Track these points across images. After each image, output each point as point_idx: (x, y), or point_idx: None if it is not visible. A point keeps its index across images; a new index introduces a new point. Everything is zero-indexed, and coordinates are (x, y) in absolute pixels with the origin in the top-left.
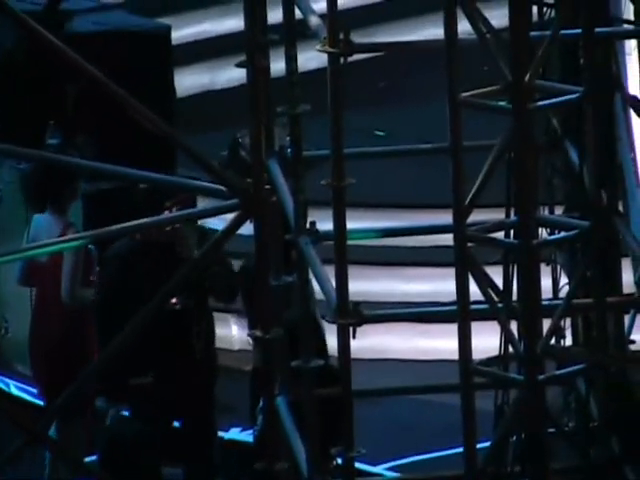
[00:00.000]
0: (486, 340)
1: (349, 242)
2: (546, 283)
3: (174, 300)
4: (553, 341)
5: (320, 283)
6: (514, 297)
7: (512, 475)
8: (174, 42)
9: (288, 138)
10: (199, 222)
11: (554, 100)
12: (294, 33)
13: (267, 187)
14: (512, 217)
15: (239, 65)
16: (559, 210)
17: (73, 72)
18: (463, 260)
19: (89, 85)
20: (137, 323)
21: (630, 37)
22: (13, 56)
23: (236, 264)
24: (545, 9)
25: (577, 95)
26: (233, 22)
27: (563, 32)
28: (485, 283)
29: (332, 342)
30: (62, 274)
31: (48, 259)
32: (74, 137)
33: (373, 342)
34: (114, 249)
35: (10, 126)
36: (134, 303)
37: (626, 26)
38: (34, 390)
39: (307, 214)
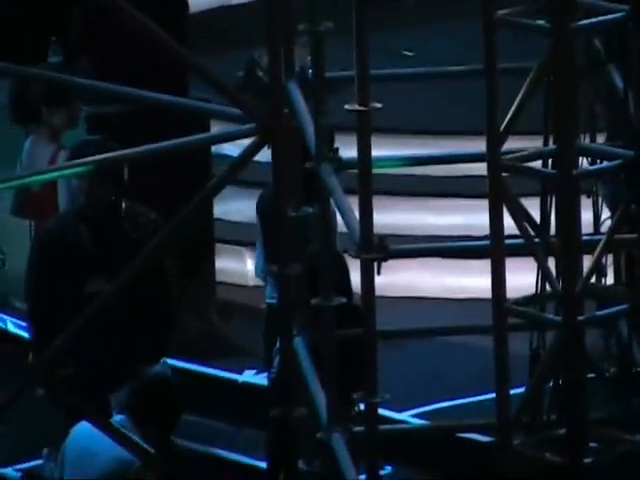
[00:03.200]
0: (521, 278)
1: (374, 171)
2: (587, 217)
3: None
4: (593, 280)
5: (343, 215)
6: (552, 232)
7: (548, 424)
8: None
9: (309, 58)
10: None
11: (597, 19)
12: None
13: (286, 111)
14: (550, 145)
15: None
16: (601, 138)
17: None
18: (497, 191)
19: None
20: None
21: None
22: None
23: (253, 193)
24: None
25: (622, 14)
26: None
27: None
28: (521, 216)
29: (356, 279)
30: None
31: (41, 187)
32: (77, 56)
33: (399, 279)
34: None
35: (9, 42)
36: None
37: None
38: None
39: (334, 140)
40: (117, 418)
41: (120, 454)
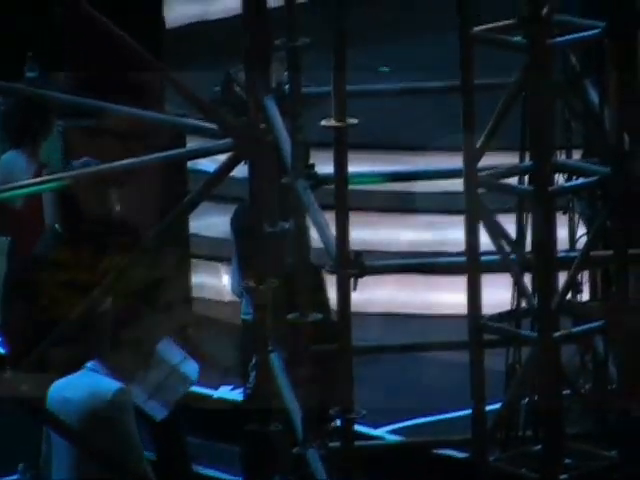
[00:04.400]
0: (497, 294)
1: (350, 186)
2: (562, 233)
3: None
4: (569, 296)
5: (319, 230)
6: (528, 248)
7: (524, 440)
8: None
9: (286, 74)
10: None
11: (574, 36)
12: None
13: (263, 126)
14: (527, 162)
15: None
16: (577, 155)
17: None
18: (473, 207)
19: (72, 14)
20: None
21: None
22: None
23: (229, 209)
24: None
25: (598, 31)
26: None
27: None
28: (497, 232)
29: (333, 294)
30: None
31: (23, 204)
32: (54, 71)
33: (375, 295)
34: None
35: None
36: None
37: None
38: None
39: (309, 155)
40: (89, 365)
41: (91, 389)
